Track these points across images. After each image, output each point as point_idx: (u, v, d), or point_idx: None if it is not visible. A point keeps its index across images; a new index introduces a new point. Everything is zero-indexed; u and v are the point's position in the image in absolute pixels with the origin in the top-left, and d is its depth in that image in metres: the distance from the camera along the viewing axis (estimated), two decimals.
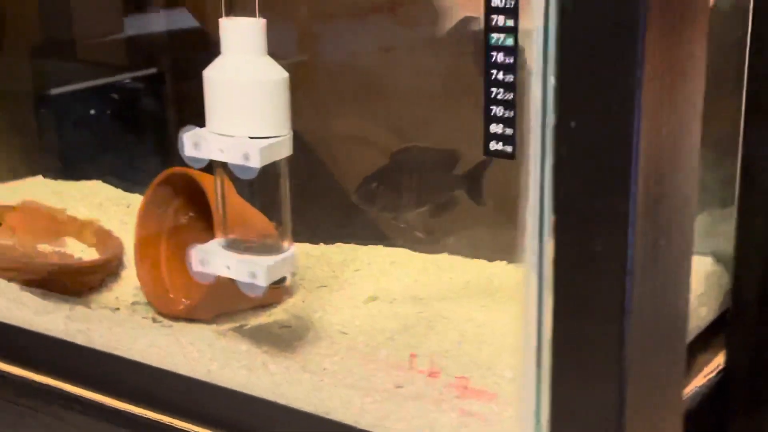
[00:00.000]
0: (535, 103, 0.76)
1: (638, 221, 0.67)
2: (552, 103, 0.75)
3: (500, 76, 0.78)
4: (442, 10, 1.04)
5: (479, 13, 1.01)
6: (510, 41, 0.77)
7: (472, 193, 1.09)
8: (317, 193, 1.37)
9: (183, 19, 1.62)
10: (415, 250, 1.30)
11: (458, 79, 1.21)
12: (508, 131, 0.79)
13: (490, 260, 1.26)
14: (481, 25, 1.01)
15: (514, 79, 0.77)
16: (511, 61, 0.77)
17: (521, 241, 0.80)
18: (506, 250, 1.24)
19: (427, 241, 1.28)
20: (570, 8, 0.68)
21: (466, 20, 1.02)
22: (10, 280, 1.19)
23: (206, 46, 1.52)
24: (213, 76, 0.95)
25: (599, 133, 0.71)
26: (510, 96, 0.78)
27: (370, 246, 1.32)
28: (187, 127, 0.97)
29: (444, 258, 1.28)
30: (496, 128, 0.79)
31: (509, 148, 0.79)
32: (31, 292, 1.18)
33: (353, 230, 1.35)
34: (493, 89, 0.79)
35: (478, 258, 1.27)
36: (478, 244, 1.26)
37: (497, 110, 0.79)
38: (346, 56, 1.34)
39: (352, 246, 1.34)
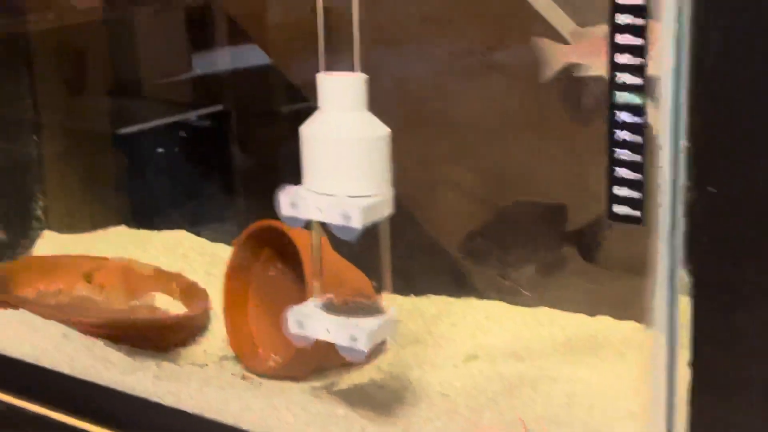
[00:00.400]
0: (664, 165, 0.72)
1: None
2: (684, 166, 0.71)
3: (626, 136, 0.73)
4: (545, 56, 1.00)
5: (584, 60, 0.97)
6: (637, 100, 0.72)
7: (584, 251, 1.04)
8: (404, 242, 1.33)
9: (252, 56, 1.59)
10: (509, 302, 1.25)
11: (561, 129, 1.16)
12: (636, 195, 0.74)
13: (591, 314, 1.20)
14: (586, 72, 0.97)
15: (643, 140, 0.72)
16: (639, 120, 0.73)
17: (646, 301, 0.75)
18: (608, 304, 1.19)
19: (523, 294, 1.23)
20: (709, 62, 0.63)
21: (570, 67, 0.98)
22: (98, 337, 1.17)
23: (277, 83, 1.50)
24: (311, 133, 0.92)
25: (744, 200, 0.66)
26: (638, 158, 0.73)
27: (463, 298, 1.28)
28: (284, 185, 0.94)
29: (543, 312, 1.23)
30: (620, 191, 0.74)
31: (637, 213, 0.74)
32: (118, 350, 1.15)
33: (442, 280, 1.30)
34: (618, 150, 0.74)
35: (578, 312, 1.21)
36: (575, 297, 1.21)
37: (622, 172, 0.74)
38: (439, 102, 1.30)
39: (444, 298, 1.29)
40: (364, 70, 0.91)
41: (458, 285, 1.29)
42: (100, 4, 1.63)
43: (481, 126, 1.28)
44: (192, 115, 1.73)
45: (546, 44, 0.97)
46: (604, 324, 1.19)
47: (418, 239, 1.32)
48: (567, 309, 1.22)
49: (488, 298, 1.27)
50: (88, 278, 1.37)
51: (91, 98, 1.66)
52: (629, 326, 1.17)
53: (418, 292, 1.31)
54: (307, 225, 0.94)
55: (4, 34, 1.50)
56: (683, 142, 0.69)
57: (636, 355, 1.10)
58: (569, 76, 0.98)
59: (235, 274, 1.21)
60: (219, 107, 1.71)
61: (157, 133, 1.68)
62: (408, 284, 1.30)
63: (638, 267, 0.75)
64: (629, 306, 1.15)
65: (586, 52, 0.93)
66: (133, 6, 1.67)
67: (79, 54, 1.66)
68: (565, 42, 1.01)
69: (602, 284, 1.17)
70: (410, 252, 1.30)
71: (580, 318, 1.21)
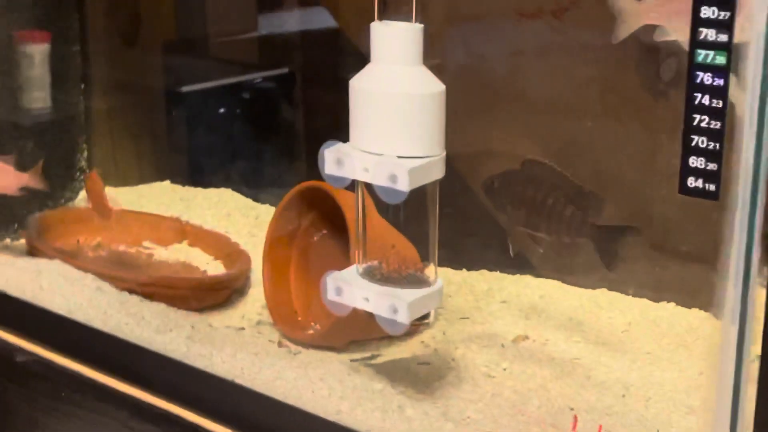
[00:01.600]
0: (748, 135, 0.64)
1: None
2: None
3: (706, 100, 0.65)
4: (622, 16, 0.91)
5: (664, 22, 0.88)
6: (721, 59, 0.64)
7: (602, 252, 0.96)
8: (459, 214, 1.26)
9: (321, 18, 1.54)
10: (567, 282, 1.17)
11: (635, 102, 1.08)
12: (712, 166, 0.66)
13: (655, 300, 1.12)
14: (665, 36, 0.89)
15: (724, 105, 0.64)
16: (722, 83, 0.64)
17: (717, 289, 0.67)
18: (674, 290, 1.11)
19: (581, 273, 1.15)
20: None
21: (647, 29, 0.89)
22: (134, 293, 1.12)
23: (342, 48, 1.45)
24: (361, 86, 0.85)
25: None
26: (718, 125, 0.65)
27: (517, 275, 1.20)
28: (329, 141, 0.87)
29: (602, 294, 1.15)
30: (696, 162, 0.66)
31: (712, 187, 0.66)
32: (154, 307, 1.11)
33: (497, 256, 1.23)
34: (697, 116, 0.66)
35: (641, 297, 1.13)
36: (639, 280, 1.13)
37: (699, 141, 0.66)
38: (499, 64, 1.23)
39: (497, 274, 1.22)
40: (427, 28, 0.84)
41: (513, 261, 1.22)
42: None
43: (547, 96, 1.20)
44: (253, 76, 1.68)
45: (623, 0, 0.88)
46: (669, 311, 1.11)
47: (473, 210, 1.25)
48: (629, 293, 1.14)
49: (544, 276, 1.20)
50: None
51: (149, 53, 1.61)
52: (695, 315, 1.08)
53: (470, 266, 1.24)
54: (352, 185, 0.88)
55: None
56: None
57: (700, 346, 1.02)
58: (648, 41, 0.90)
59: (277, 236, 1.16)
60: (281, 70, 1.66)
61: (213, 92, 1.63)
62: (460, 257, 1.23)
63: (709, 252, 0.68)
64: (697, 293, 1.07)
65: (669, 12, 0.84)
66: None
67: (139, 6, 1.62)
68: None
69: (669, 269, 1.09)
70: (464, 223, 1.23)
71: (643, 303, 1.13)
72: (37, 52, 1.42)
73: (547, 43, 1.19)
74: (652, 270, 1.11)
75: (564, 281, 1.18)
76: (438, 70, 0.86)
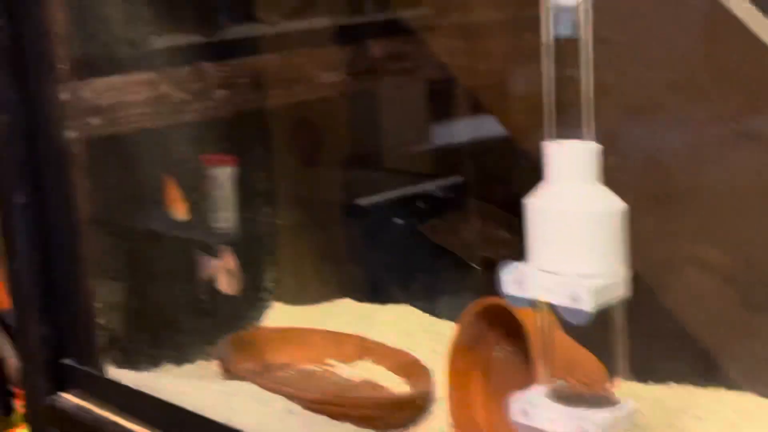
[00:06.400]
0: None
1: None
2: None
3: None
4: None
5: None
6: None
7: None
8: (644, 324, 1.22)
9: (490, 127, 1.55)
10: (766, 395, 1.11)
11: None
12: None
13: None
14: None
15: None
16: None
17: None
18: None
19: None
20: None
21: None
22: (321, 413, 1.14)
23: (512, 156, 1.45)
24: (539, 205, 0.85)
25: None
26: None
27: (710, 388, 1.15)
28: (507, 262, 0.87)
29: None
30: None
31: None
32: (341, 428, 1.12)
33: (686, 367, 1.18)
34: None
35: None
36: None
37: None
38: (685, 174, 1.20)
39: (688, 388, 1.17)
40: (602, 139, 0.84)
41: (705, 373, 1.17)
42: (341, 78, 1.65)
43: (732, 200, 1.16)
44: (425, 187, 1.71)
45: None
46: None
47: (660, 321, 1.21)
48: None
49: (739, 389, 1.14)
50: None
51: (326, 169, 1.67)
52: None
53: (658, 378, 1.19)
54: (534, 304, 0.87)
55: (245, 109, 1.54)
56: None
57: None
58: None
59: (459, 353, 1.16)
60: (452, 179, 1.68)
61: (386, 204, 1.67)
62: (647, 370, 1.19)
63: None
64: None
65: None
66: (372, 80, 1.68)
67: (316, 126, 1.69)
68: None
69: None
70: (651, 335, 1.20)
71: None
72: (223, 174, 1.49)
73: (732, 145, 1.16)
74: None
75: (761, 394, 1.12)
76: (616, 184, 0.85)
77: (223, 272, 1.30)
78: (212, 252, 1.40)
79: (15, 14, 1.19)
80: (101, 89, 1.28)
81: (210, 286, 1.43)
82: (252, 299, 1.51)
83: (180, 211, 1.30)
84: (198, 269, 1.43)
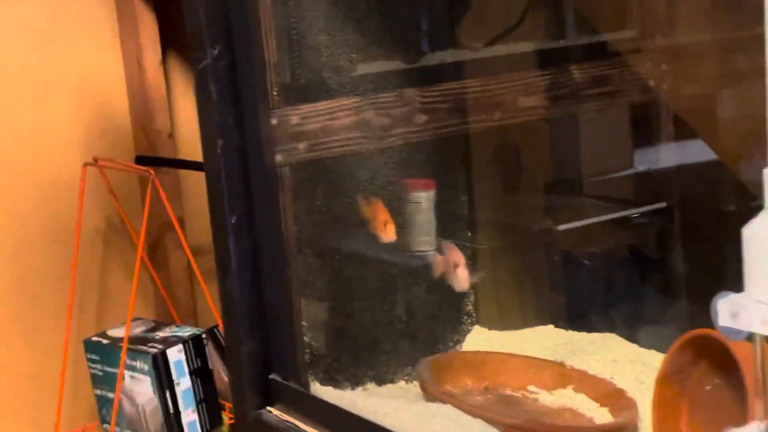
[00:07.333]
0: None
1: None
2: None
3: None
4: None
5: None
6: None
7: None
8: None
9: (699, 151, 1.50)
10: None
11: None
12: None
13: None
14: None
15: None
16: None
17: None
18: None
19: None
20: None
21: None
22: None
23: (723, 181, 1.40)
24: (757, 234, 0.81)
25: None
26: None
27: None
28: (722, 293, 0.84)
29: None
30: None
31: None
32: None
33: None
34: None
35: None
36: None
37: None
38: None
39: None
40: None
41: None
42: (542, 102, 1.64)
43: None
44: (629, 213, 1.67)
45: None
46: None
47: None
48: None
49: None
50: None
51: (527, 194, 1.66)
52: None
53: None
54: (749, 337, 0.83)
55: (446, 134, 1.55)
56: None
57: None
58: None
59: (667, 384, 1.12)
60: (658, 204, 1.63)
61: (590, 230, 1.63)
62: None
63: None
64: None
65: None
66: (573, 104, 1.66)
67: (519, 154, 1.68)
68: None
69: None
70: None
71: None
72: (424, 199, 1.50)
73: None
74: None
75: None
76: None
77: (451, 268, 1.30)
78: (439, 250, 1.40)
79: (231, 43, 1.25)
80: (308, 115, 1.32)
81: (438, 288, 1.44)
82: (453, 322, 1.52)
83: (389, 233, 1.32)
84: (429, 270, 1.44)
